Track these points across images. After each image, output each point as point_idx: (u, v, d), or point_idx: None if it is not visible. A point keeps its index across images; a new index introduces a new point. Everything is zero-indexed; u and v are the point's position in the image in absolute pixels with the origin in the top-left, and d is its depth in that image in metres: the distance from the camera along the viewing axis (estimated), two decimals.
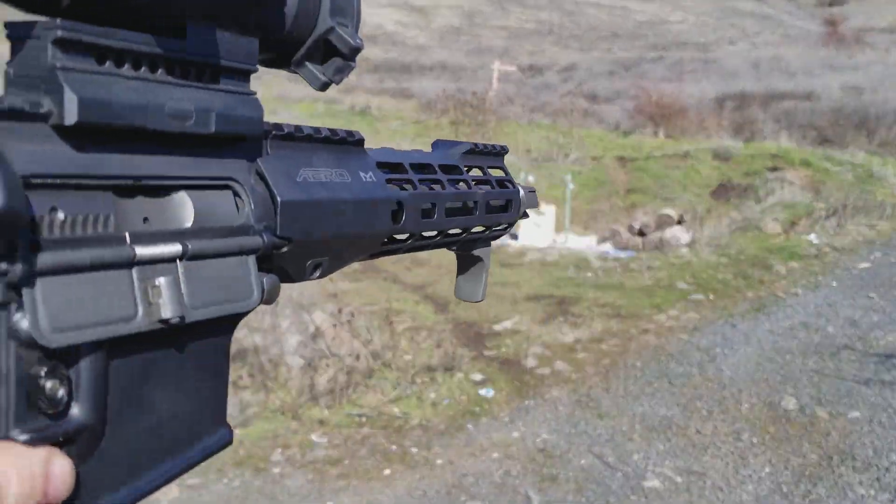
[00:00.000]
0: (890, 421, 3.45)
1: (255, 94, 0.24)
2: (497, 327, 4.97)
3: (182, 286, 0.21)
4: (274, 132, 0.26)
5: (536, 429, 3.48)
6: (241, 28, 0.23)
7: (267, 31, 0.24)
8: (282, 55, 0.25)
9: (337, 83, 0.27)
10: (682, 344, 4.70)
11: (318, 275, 0.28)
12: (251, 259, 0.23)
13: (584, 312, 5.32)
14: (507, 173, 0.40)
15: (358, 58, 0.28)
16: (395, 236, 0.30)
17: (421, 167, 0.32)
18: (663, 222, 8.48)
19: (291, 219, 0.24)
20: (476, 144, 0.36)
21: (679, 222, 8.47)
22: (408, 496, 2.85)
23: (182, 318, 0.20)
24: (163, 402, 0.22)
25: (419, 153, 0.32)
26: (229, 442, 0.25)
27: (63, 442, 0.19)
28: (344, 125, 0.40)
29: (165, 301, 0.20)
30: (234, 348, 3.37)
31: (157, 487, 0.22)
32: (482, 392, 3.88)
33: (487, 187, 0.36)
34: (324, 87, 0.27)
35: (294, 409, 3.50)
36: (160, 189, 0.21)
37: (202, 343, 0.23)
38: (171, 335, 0.21)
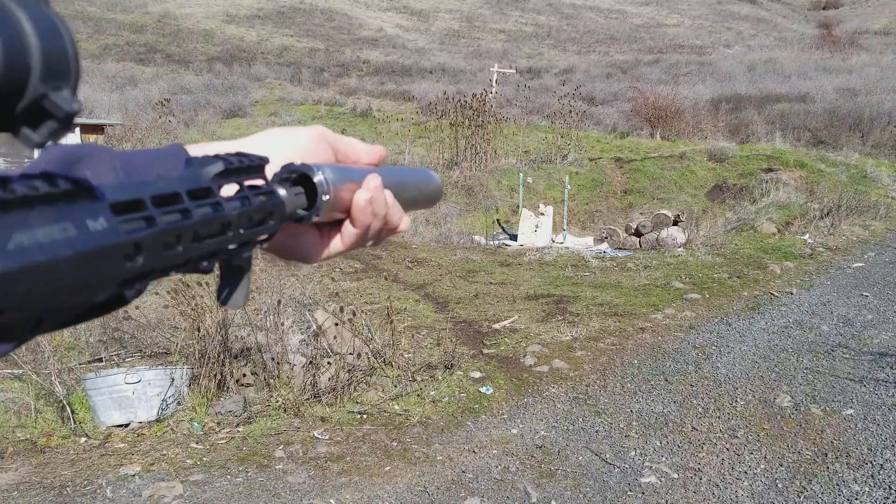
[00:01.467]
0: (884, 418, 3.48)
1: None
2: (496, 326, 5.00)
3: None
4: None
5: (535, 426, 3.51)
6: None
7: None
8: None
9: (54, 143, 0.27)
10: (679, 342, 4.74)
11: (40, 331, 0.28)
12: None
13: (582, 311, 5.35)
14: (267, 182, 0.38)
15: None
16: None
17: (165, 199, 0.30)
18: (660, 222, 8.53)
19: (3, 291, 0.24)
20: (230, 162, 0.34)
21: (675, 222, 8.52)
22: (408, 492, 2.88)
23: None
24: None
25: (166, 182, 0.30)
26: None
27: None
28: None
29: None
30: (238, 346, 3.36)
31: None
32: (481, 390, 3.91)
33: (241, 203, 0.34)
34: (39, 146, 0.26)
35: (296, 407, 3.52)
36: None
37: None
38: None
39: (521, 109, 15.29)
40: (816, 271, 6.66)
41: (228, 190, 0.34)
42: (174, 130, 12.94)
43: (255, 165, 0.37)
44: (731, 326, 5.04)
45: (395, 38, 31.54)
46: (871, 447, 3.21)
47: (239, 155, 0.36)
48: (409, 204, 0.53)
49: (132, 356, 4.01)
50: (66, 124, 0.27)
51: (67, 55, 0.27)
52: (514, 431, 3.45)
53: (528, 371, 4.20)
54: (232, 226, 0.33)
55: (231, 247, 0.34)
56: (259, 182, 0.38)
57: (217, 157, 0.34)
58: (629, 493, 2.89)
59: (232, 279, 0.37)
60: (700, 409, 3.68)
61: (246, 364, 3.78)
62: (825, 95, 16.59)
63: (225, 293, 0.37)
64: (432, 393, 3.82)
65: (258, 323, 3.96)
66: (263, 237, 0.37)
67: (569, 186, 9.57)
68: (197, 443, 3.27)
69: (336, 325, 3.94)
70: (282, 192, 0.39)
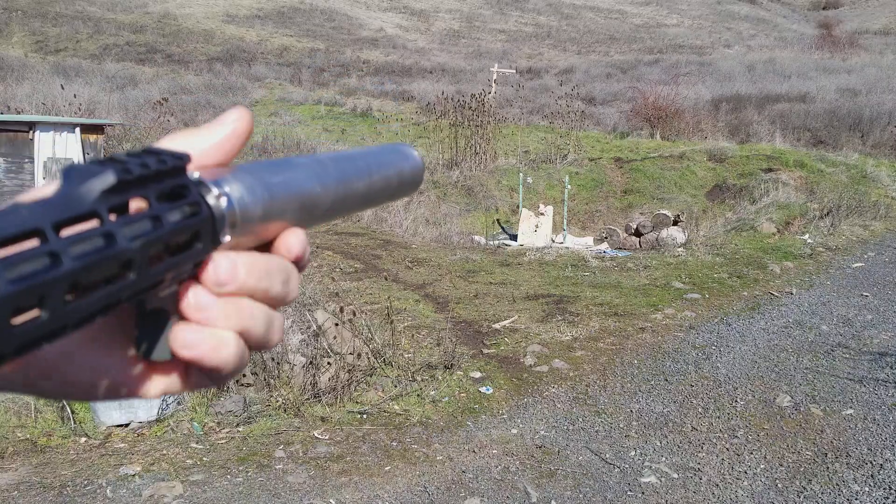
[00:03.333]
0: (884, 418, 3.48)
1: None
2: (496, 326, 5.01)
3: None
4: None
5: (535, 426, 3.51)
6: None
7: None
8: None
9: None
10: (678, 342, 4.74)
11: None
12: None
13: (582, 311, 5.35)
14: (191, 190, 0.26)
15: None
16: None
17: (14, 242, 0.20)
18: (659, 222, 8.54)
19: None
20: (128, 170, 0.24)
21: (675, 222, 8.53)
22: (408, 492, 2.88)
23: None
24: None
25: (18, 214, 0.21)
26: None
27: None
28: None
29: None
30: None
31: None
32: (481, 389, 3.91)
33: (150, 225, 0.24)
34: None
35: (297, 407, 3.53)
36: None
37: None
38: None
39: (520, 109, 15.31)
40: (816, 271, 6.66)
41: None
42: (173, 130, 12.93)
43: (167, 169, 0.26)
44: (731, 326, 5.05)
45: (395, 38, 31.56)
46: (871, 447, 3.21)
47: (145, 154, 0.25)
48: (361, 202, 0.36)
49: None
50: None
51: None
52: (514, 431, 3.45)
53: (528, 371, 4.21)
54: (134, 264, 0.23)
55: (140, 287, 0.24)
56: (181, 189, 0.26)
57: (108, 163, 0.24)
58: (629, 492, 2.89)
59: (151, 327, 0.27)
60: (700, 409, 3.68)
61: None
62: (825, 95, 16.61)
63: (144, 346, 0.27)
64: (432, 393, 3.82)
65: None
66: (188, 267, 0.26)
67: (569, 186, 9.57)
68: (197, 443, 3.27)
69: (336, 325, 3.94)
70: (215, 198, 0.27)
